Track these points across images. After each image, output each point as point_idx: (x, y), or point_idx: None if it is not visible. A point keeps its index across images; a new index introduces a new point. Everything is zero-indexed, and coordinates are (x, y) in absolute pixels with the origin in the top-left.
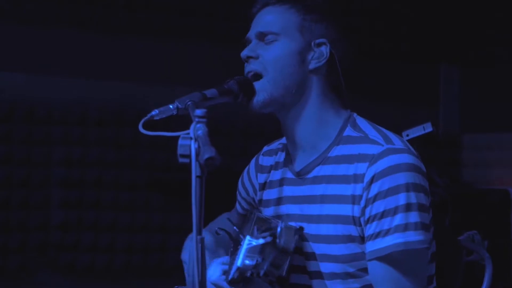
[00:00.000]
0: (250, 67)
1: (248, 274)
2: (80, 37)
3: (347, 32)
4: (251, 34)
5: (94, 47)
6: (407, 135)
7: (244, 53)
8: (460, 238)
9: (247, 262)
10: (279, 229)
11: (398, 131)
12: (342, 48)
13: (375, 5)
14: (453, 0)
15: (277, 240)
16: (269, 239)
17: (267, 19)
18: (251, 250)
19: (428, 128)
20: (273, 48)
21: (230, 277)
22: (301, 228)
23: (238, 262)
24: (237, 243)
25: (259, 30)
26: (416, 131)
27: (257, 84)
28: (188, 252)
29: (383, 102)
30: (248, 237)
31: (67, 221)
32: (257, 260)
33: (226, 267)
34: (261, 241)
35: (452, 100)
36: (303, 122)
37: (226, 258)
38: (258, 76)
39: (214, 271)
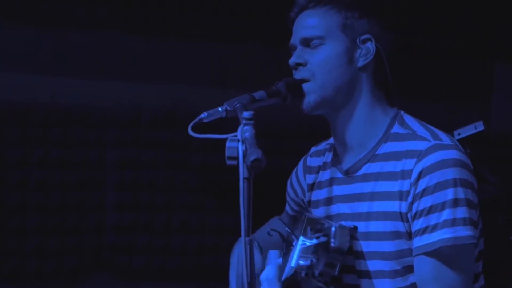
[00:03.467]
0: (299, 75)
1: (303, 274)
2: (132, 41)
3: (388, 26)
4: (295, 40)
5: (147, 51)
6: (459, 134)
7: (292, 60)
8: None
9: (301, 262)
10: (333, 229)
11: (449, 130)
12: (387, 42)
13: (428, 2)
14: None
15: (331, 240)
16: (323, 239)
17: (309, 23)
18: (305, 250)
19: (479, 127)
20: (320, 52)
21: (283, 277)
22: (355, 228)
23: (292, 262)
24: (289, 244)
25: (303, 36)
26: (468, 130)
27: (306, 86)
28: (236, 254)
29: (435, 101)
30: (301, 238)
31: (121, 223)
32: (311, 261)
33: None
34: (314, 241)
35: (505, 98)
36: (353, 121)
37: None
38: (307, 81)
39: (270, 271)
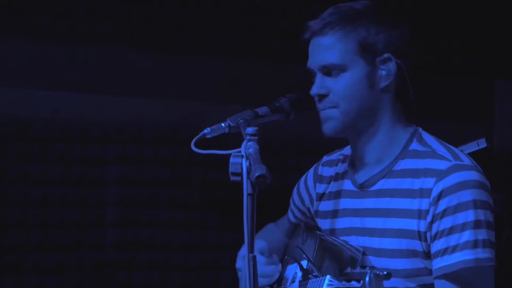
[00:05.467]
0: (323, 105)
1: None
2: (135, 56)
3: (408, 36)
4: (314, 65)
5: (149, 66)
6: (461, 151)
7: (314, 92)
8: None
9: None
10: (367, 278)
11: None
12: (407, 55)
13: (427, 19)
14: (507, 13)
15: None
16: (355, 284)
17: (326, 51)
18: None
19: (482, 144)
20: (341, 80)
21: None
22: (389, 275)
23: None
24: (306, 273)
25: (322, 64)
26: (470, 147)
27: (329, 112)
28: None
29: (437, 118)
30: (329, 277)
31: (122, 239)
32: None
33: None
34: (344, 284)
35: (508, 115)
36: (375, 141)
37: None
38: (332, 108)
39: None
